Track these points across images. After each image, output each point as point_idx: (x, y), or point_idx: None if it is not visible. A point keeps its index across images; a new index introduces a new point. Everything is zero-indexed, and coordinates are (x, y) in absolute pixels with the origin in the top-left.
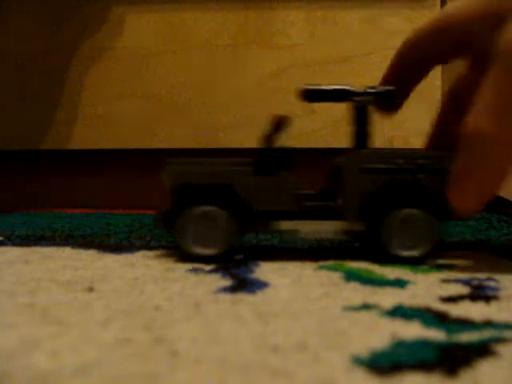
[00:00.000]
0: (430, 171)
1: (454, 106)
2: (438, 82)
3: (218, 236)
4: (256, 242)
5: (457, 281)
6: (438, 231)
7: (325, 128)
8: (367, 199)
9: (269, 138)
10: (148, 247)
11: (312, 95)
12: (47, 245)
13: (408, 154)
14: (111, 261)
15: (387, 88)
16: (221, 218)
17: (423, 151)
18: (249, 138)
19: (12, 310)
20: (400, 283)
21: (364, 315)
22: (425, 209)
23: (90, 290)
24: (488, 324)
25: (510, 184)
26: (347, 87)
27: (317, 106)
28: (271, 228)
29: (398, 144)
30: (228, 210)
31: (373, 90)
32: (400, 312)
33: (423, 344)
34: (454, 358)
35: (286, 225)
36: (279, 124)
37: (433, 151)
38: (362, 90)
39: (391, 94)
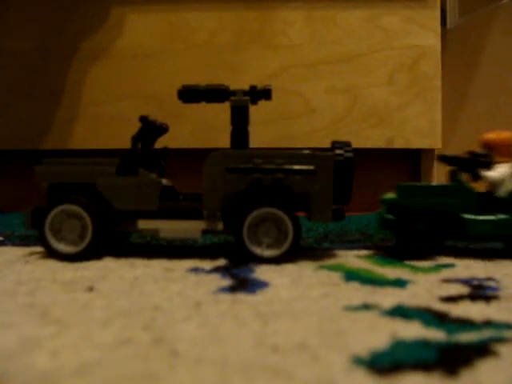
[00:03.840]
0: (289, 171)
1: None
2: (438, 82)
3: (80, 234)
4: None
5: (457, 281)
6: (297, 230)
7: (325, 128)
8: (227, 199)
9: (134, 138)
10: (148, 247)
11: (187, 95)
12: None
13: (268, 154)
14: (111, 261)
15: (265, 87)
16: (83, 217)
17: (286, 151)
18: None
19: (12, 310)
20: (400, 283)
21: (364, 315)
22: (284, 208)
23: (90, 289)
24: (488, 324)
25: None
26: (223, 87)
27: (317, 106)
28: (132, 227)
29: (398, 144)
30: (90, 209)
31: (249, 90)
32: (400, 312)
33: (423, 344)
34: (454, 358)
35: (146, 224)
36: (148, 126)
37: (297, 151)
38: (238, 90)
39: (268, 94)
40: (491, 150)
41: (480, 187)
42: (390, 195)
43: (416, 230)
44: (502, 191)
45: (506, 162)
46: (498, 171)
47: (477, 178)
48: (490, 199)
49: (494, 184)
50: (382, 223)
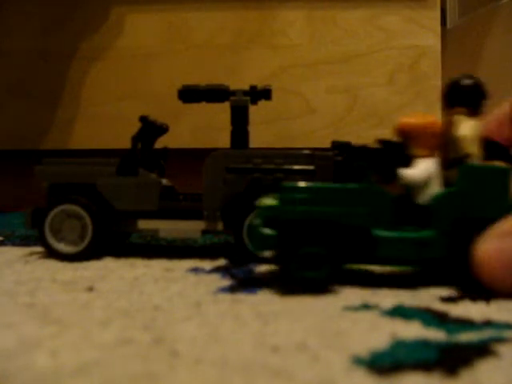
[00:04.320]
0: (288, 171)
1: None
2: (438, 82)
3: (80, 234)
4: None
5: (457, 281)
6: None
7: (325, 128)
8: (227, 199)
9: (134, 138)
10: (148, 247)
11: (187, 95)
12: None
13: (268, 154)
14: (111, 261)
15: (265, 87)
16: (83, 217)
17: (286, 151)
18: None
19: (12, 310)
20: (400, 283)
21: (364, 315)
22: None
23: (90, 289)
24: (488, 324)
25: None
26: (223, 87)
27: (317, 106)
28: (132, 227)
29: None
30: (91, 209)
31: (249, 90)
32: (400, 312)
33: (423, 344)
34: (454, 357)
35: (146, 224)
36: (148, 126)
37: (297, 151)
38: (238, 90)
39: (268, 94)
40: (409, 139)
41: (394, 190)
42: (270, 200)
43: (305, 252)
44: (425, 196)
45: (429, 156)
46: (419, 169)
47: (390, 177)
48: (407, 207)
49: (414, 186)
50: (258, 241)
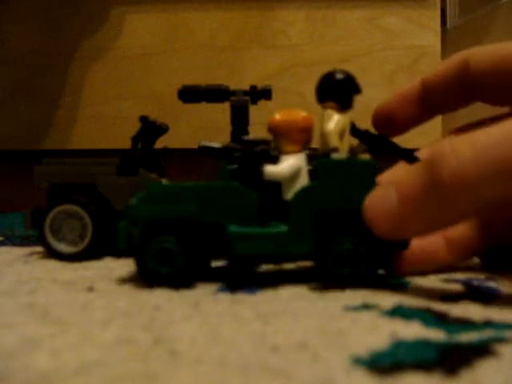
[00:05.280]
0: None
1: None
2: None
3: (80, 234)
4: None
5: (457, 281)
6: None
7: None
8: None
9: (134, 138)
10: None
11: (187, 95)
12: None
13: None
14: (111, 261)
15: (265, 87)
16: (83, 217)
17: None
18: None
19: (12, 310)
20: (400, 283)
21: (364, 315)
22: None
23: (90, 289)
24: (488, 324)
25: None
26: (223, 87)
27: (317, 106)
28: None
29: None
30: (91, 209)
31: (249, 90)
32: (400, 312)
33: (423, 344)
34: (454, 357)
35: None
36: (148, 126)
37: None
38: (238, 90)
39: (268, 94)
40: (277, 136)
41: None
42: (135, 200)
43: (159, 248)
44: (290, 193)
45: (297, 151)
46: (285, 165)
47: (255, 173)
48: (274, 203)
49: (281, 182)
50: (120, 239)
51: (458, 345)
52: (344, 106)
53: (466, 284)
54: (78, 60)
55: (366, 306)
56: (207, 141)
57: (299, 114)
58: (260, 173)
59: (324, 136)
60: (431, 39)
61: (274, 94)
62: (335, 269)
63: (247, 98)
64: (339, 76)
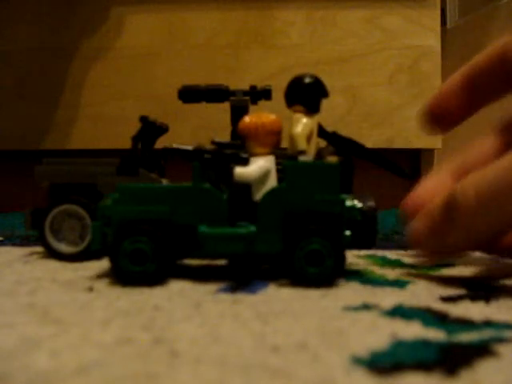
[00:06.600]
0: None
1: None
2: (438, 82)
3: (80, 234)
4: None
5: (457, 281)
6: None
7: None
8: None
9: (134, 138)
10: None
11: (187, 95)
12: None
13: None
14: None
15: (265, 87)
16: (83, 217)
17: (286, 151)
18: None
19: (12, 310)
20: (400, 283)
21: (364, 315)
22: None
23: (90, 289)
24: (488, 324)
25: None
26: (223, 87)
27: None
28: None
29: (398, 144)
30: (91, 209)
31: (249, 90)
32: (400, 312)
33: (423, 344)
34: (454, 358)
35: None
36: (148, 126)
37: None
38: (238, 90)
39: (268, 94)
40: (246, 138)
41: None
42: (108, 200)
43: (132, 248)
44: (259, 194)
45: (265, 154)
46: (254, 167)
47: (225, 176)
48: (243, 204)
49: (251, 184)
50: (94, 239)
51: (458, 345)
52: (312, 109)
53: (467, 283)
54: (78, 60)
55: (365, 306)
56: (178, 143)
57: (268, 117)
58: (230, 174)
59: (292, 139)
60: (431, 39)
61: (274, 94)
62: (302, 268)
63: (247, 98)
64: (307, 80)
